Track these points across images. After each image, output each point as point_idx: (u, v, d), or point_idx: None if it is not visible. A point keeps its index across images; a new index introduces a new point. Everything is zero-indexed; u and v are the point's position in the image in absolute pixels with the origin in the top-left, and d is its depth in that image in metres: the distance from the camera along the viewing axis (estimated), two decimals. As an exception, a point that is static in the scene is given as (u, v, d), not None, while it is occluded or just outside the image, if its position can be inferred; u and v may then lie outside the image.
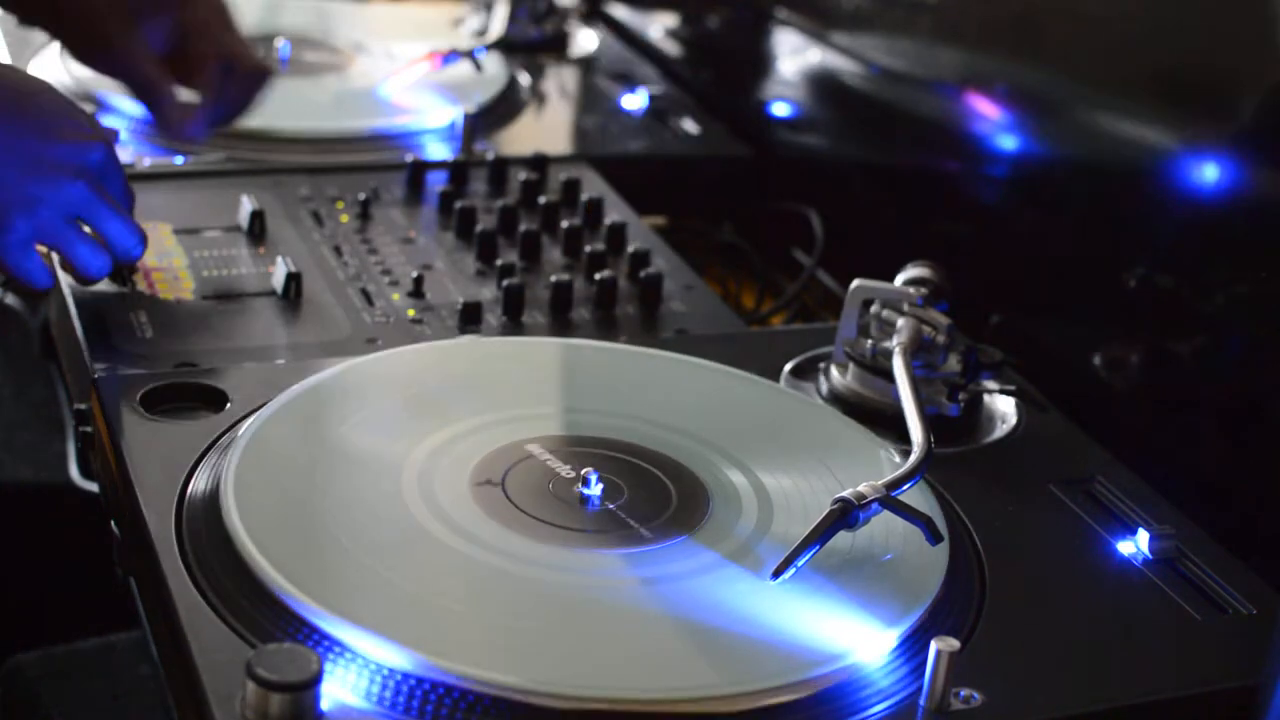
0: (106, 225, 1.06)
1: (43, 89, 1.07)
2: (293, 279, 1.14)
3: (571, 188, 1.33)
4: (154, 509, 0.86)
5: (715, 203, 1.47)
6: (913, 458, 0.90)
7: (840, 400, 1.04)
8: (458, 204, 1.27)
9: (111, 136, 1.08)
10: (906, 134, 1.39)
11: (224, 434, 0.93)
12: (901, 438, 0.95)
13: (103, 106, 1.36)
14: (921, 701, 0.77)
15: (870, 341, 1.04)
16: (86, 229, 1.06)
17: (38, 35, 1.53)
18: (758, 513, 0.89)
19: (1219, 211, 1.05)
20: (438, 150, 1.40)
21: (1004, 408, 1.06)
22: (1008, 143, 1.26)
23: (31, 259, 1.04)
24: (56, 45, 1.48)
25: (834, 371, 1.05)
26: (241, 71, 1.30)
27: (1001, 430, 1.03)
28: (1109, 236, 1.16)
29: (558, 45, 1.71)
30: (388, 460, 0.90)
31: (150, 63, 1.26)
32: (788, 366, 1.08)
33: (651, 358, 1.05)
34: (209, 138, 1.31)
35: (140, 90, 1.27)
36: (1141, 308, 1.12)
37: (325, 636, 0.76)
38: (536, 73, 1.62)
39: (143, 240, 1.08)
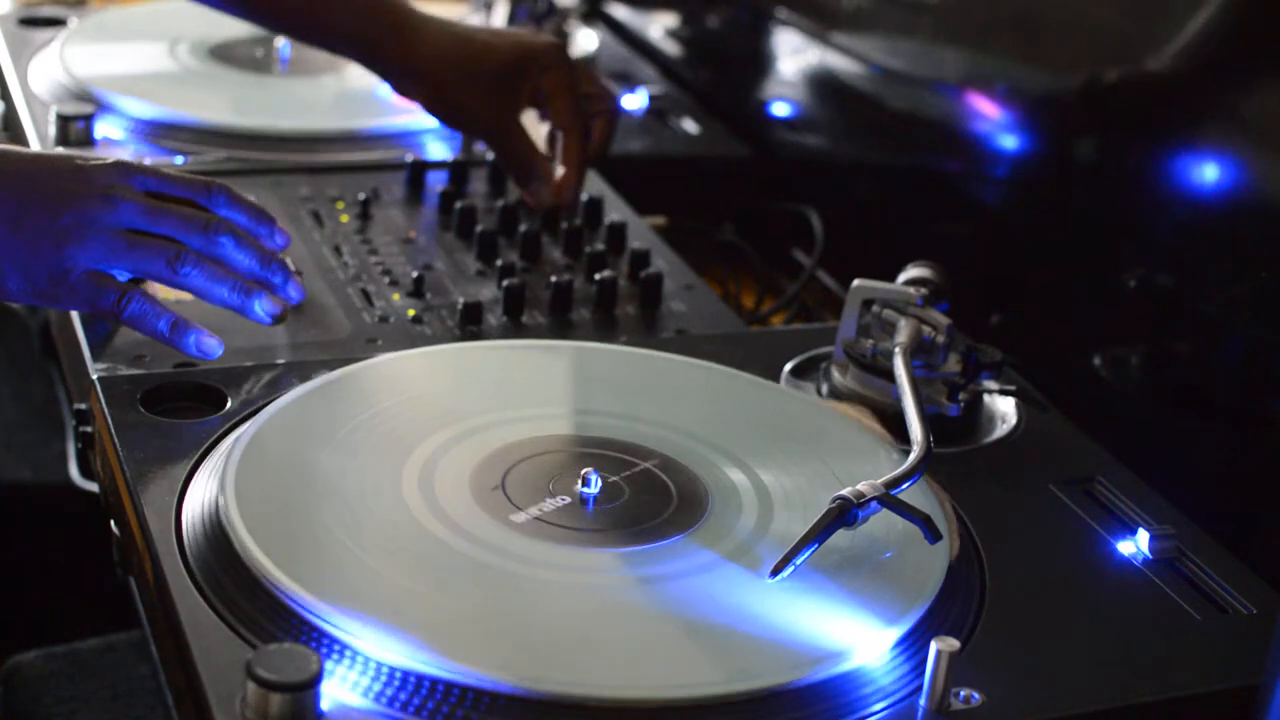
0: (144, 270, 1.00)
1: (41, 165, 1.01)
2: (293, 279, 1.13)
3: (571, 187, 1.33)
4: (154, 509, 0.86)
5: (715, 203, 1.47)
6: (912, 457, 0.90)
7: (840, 400, 1.04)
8: (458, 204, 1.27)
9: (128, 184, 1.01)
10: (906, 134, 1.39)
11: (224, 434, 0.93)
12: (902, 438, 0.95)
13: (102, 107, 1.36)
14: (921, 701, 0.77)
15: (870, 341, 1.04)
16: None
17: (38, 35, 1.54)
18: (758, 512, 0.89)
19: (1219, 211, 1.05)
20: (438, 150, 1.40)
21: (1004, 408, 1.06)
22: (1008, 143, 1.26)
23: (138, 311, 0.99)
24: (56, 43, 1.48)
25: (834, 371, 1.05)
26: (596, 121, 1.33)
27: (1001, 430, 1.04)
28: (1109, 236, 1.16)
29: (558, 45, 1.71)
30: (388, 460, 0.90)
31: (520, 142, 1.30)
32: (788, 366, 1.08)
33: (651, 358, 1.05)
34: (577, 201, 1.31)
35: (512, 170, 1.31)
36: (1141, 308, 1.12)
37: (326, 636, 0.76)
38: (537, 73, 1.62)
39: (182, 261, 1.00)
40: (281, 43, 1.55)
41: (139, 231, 0.99)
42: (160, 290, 1.07)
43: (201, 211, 1.02)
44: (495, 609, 0.80)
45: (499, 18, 1.64)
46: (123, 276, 1.00)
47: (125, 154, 1.32)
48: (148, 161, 1.30)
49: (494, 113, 1.30)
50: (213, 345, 1.01)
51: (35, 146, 1.33)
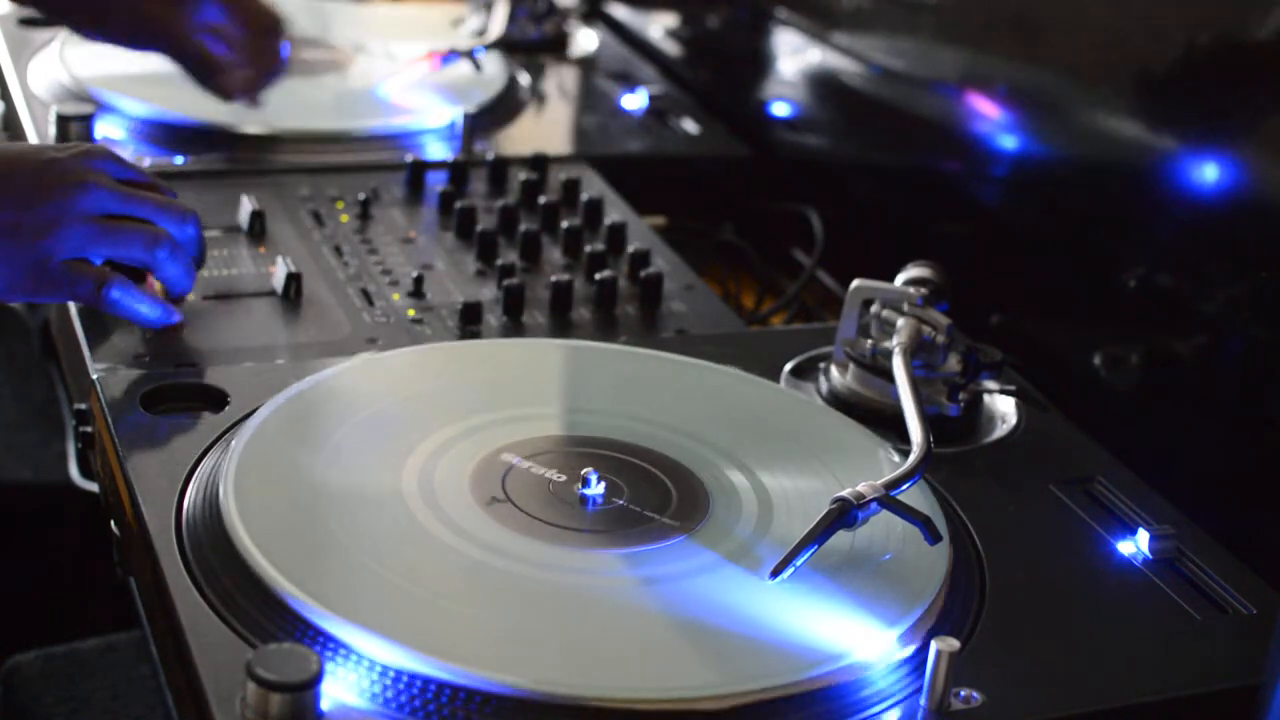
0: (123, 254, 1.02)
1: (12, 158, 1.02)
2: (293, 279, 1.14)
3: (571, 188, 1.33)
4: (154, 509, 0.86)
5: (715, 203, 1.47)
6: (912, 457, 0.90)
7: (840, 400, 1.04)
8: (458, 204, 1.27)
9: (101, 169, 1.02)
10: (906, 134, 1.39)
11: (224, 434, 0.93)
12: (901, 438, 0.95)
13: (102, 107, 1.36)
14: (922, 701, 0.77)
15: (870, 341, 1.04)
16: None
17: (38, 35, 1.54)
18: (757, 513, 0.89)
19: (1219, 211, 1.05)
20: (438, 150, 1.40)
21: (1004, 408, 1.06)
22: (1008, 143, 1.26)
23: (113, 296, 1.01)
24: (56, 43, 1.48)
25: (834, 371, 1.05)
26: (262, 32, 1.40)
27: (1001, 430, 1.03)
28: (1109, 236, 1.16)
29: (558, 45, 1.71)
30: (388, 460, 0.90)
31: (195, 43, 1.36)
32: (788, 366, 1.08)
33: (651, 358, 1.05)
34: (260, 101, 1.39)
35: (191, 66, 1.36)
36: (1141, 308, 1.12)
37: (325, 636, 0.76)
38: (536, 73, 1.62)
39: (167, 244, 1.03)
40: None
41: (112, 216, 1.00)
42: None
43: (170, 201, 1.04)
44: (495, 610, 0.80)
45: (499, 18, 1.64)
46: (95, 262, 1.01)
47: (125, 154, 1.32)
48: (149, 165, 1.31)
49: (164, 19, 1.34)
50: (179, 316, 1.05)
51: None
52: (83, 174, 0.99)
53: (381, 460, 0.90)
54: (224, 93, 1.36)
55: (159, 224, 1.02)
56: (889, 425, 1.00)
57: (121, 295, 1.00)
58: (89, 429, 0.99)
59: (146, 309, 1.02)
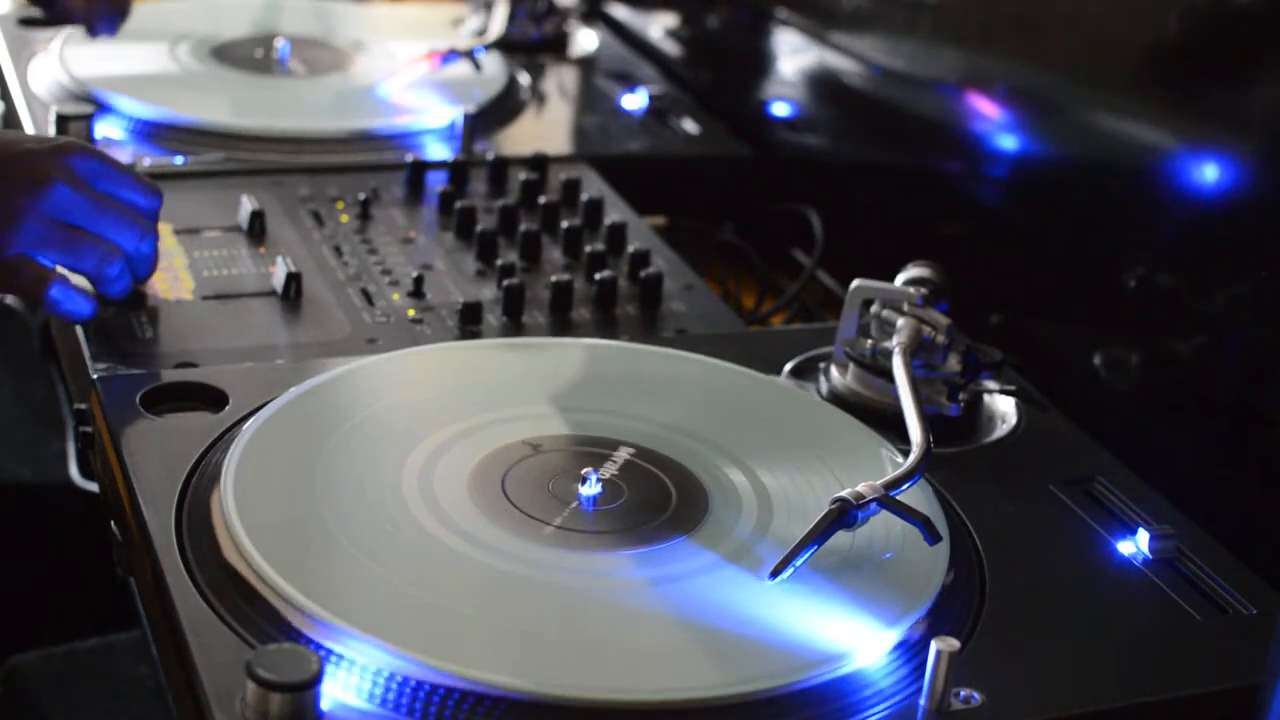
0: (74, 265, 1.00)
1: None
2: (293, 279, 1.14)
3: (571, 188, 1.33)
4: (154, 509, 0.86)
5: (715, 203, 1.47)
6: (912, 457, 0.90)
7: (840, 400, 1.04)
8: (458, 204, 1.27)
9: (71, 168, 1.00)
10: (906, 134, 1.39)
11: (224, 434, 0.93)
12: (901, 438, 0.95)
13: (102, 107, 1.36)
14: (921, 701, 0.77)
15: (870, 341, 1.04)
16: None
17: (38, 35, 1.54)
18: (757, 513, 0.89)
19: (1219, 211, 1.05)
20: (438, 150, 1.40)
21: (1004, 408, 1.06)
22: (1008, 143, 1.26)
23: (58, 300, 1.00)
24: (56, 43, 1.49)
25: (834, 371, 1.05)
26: None
27: (1001, 430, 1.03)
28: (1109, 236, 1.16)
29: (558, 45, 1.71)
30: (388, 460, 0.90)
31: None
32: (788, 366, 1.08)
33: (651, 356, 1.05)
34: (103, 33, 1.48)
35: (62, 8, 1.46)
36: (1141, 308, 1.12)
37: (325, 637, 0.76)
38: (536, 73, 1.62)
39: (119, 258, 1.02)
40: (282, 43, 1.55)
41: (73, 223, 0.99)
42: None
43: (136, 215, 1.03)
44: (494, 610, 0.80)
45: (499, 18, 1.64)
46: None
47: (124, 154, 1.32)
48: (149, 164, 1.31)
49: None
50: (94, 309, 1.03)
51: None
52: (51, 171, 0.98)
53: (381, 461, 0.90)
54: (66, 18, 1.46)
55: (115, 239, 1.00)
56: (889, 425, 1.00)
57: (62, 298, 0.99)
58: (89, 429, 0.99)
59: (79, 309, 1.01)
